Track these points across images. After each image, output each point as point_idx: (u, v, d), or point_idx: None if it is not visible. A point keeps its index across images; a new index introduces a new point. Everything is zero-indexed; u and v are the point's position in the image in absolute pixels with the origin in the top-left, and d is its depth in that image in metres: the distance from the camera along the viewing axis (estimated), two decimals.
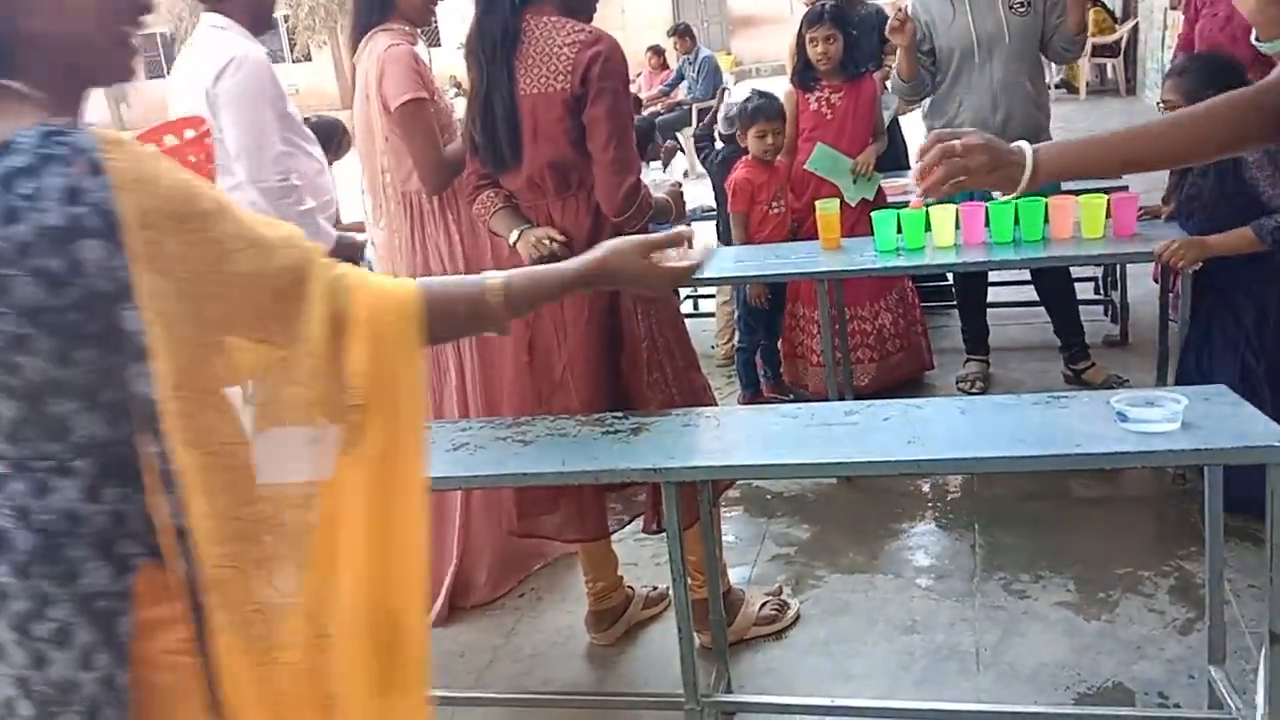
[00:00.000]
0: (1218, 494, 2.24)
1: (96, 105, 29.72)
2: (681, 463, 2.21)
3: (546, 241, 2.48)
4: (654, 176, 2.81)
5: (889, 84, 4.22)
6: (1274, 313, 3.05)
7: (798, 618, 2.91)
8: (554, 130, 2.43)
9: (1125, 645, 2.63)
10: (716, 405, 2.74)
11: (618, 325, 2.54)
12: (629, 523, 2.70)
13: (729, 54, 21.32)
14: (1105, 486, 3.45)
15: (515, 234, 2.54)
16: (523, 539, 2.90)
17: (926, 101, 4.23)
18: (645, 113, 8.94)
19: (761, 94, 4.15)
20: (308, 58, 27.99)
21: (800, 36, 4.19)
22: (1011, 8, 3.92)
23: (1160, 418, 2.04)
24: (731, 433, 2.39)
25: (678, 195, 2.78)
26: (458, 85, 3.20)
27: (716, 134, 4.58)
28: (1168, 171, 3.39)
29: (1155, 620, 2.72)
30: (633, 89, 7.32)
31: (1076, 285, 4.49)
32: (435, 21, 3.14)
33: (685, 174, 5.27)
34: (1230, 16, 3.75)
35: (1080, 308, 4.28)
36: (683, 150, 10.46)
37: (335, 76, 26.48)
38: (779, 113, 4.09)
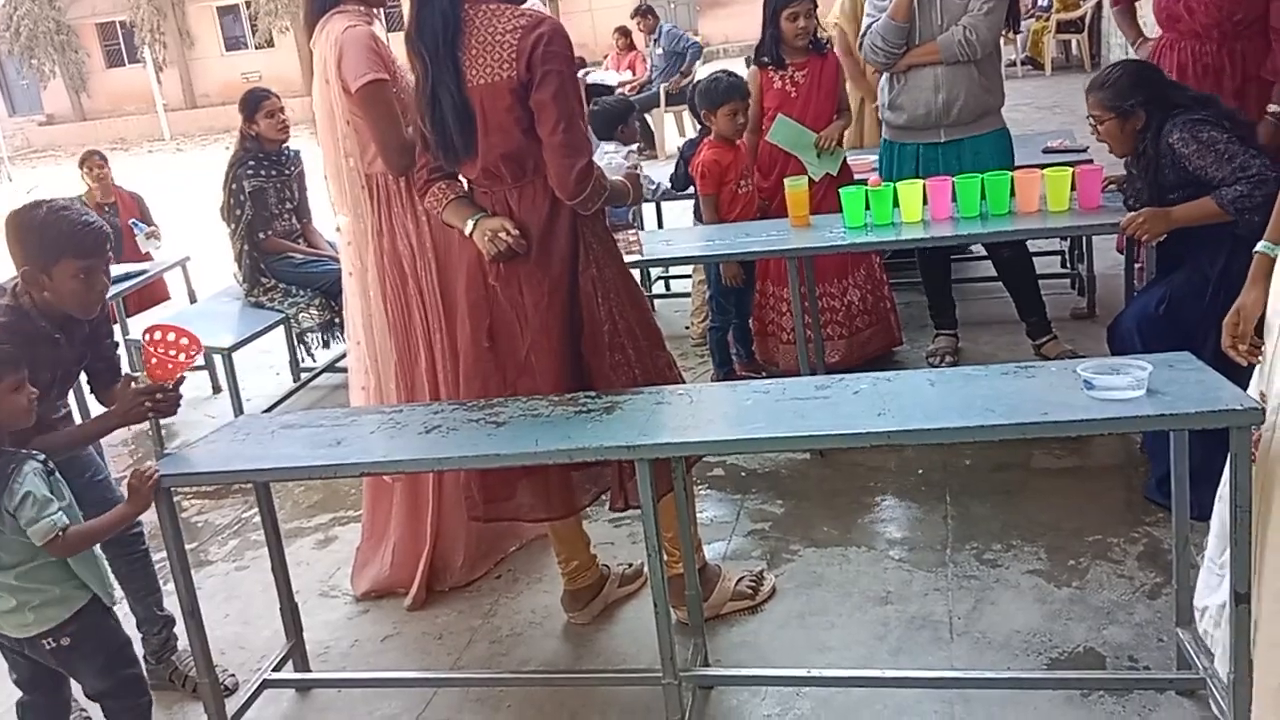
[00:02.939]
0: (1183, 460, 2.28)
1: (57, 96, 29.28)
2: (655, 440, 2.22)
3: (503, 235, 2.47)
4: (610, 160, 2.79)
5: (864, 42, 4.16)
6: (1232, 281, 3.09)
7: (774, 592, 2.93)
8: (505, 120, 2.41)
9: (1095, 611, 2.67)
10: (682, 382, 2.75)
11: (578, 310, 2.53)
12: (598, 496, 2.70)
13: (697, 34, 21.25)
14: (1074, 456, 3.49)
15: (470, 224, 2.53)
16: (492, 523, 2.90)
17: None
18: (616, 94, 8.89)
19: (728, 73, 4.14)
20: (270, 43, 27.65)
21: (771, 13, 4.17)
22: None
23: (1125, 385, 2.07)
24: (704, 409, 2.40)
25: (635, 178, 2.77)
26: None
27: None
28: None
29: (1124, 586, 2.76)
30: (601, 71, 7.28)
31: (1043, 259, 4.52)
32: (395, 3, 3.10)
33: (640, 150, 5.24)
34: None
35: (1047, 281, 4.32)
36: (652, 131, 10.44)
37: (299, 62, 26.18)
38: (748, 92, 4.09)
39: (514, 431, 2.36)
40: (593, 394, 2.51)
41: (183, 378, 2.52)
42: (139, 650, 2.82)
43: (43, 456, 2.21)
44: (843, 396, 2.32)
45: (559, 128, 2.38)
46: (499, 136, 2.43)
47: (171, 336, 2.48)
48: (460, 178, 2.61)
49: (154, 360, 2.44)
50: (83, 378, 2.70)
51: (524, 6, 2.45)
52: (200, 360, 4.88)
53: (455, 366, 3.06)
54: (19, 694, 2.40)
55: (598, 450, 2.24)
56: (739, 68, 4.51)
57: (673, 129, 10.89)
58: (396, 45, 2.92)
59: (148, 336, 2.47)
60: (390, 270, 3.02)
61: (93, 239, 2.40)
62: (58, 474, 2.24)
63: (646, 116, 10.49)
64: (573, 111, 2.40)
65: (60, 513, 2.16)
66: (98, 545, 2.35)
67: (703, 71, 10.62)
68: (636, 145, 4.60)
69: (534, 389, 2.57)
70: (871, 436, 2.14)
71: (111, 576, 2.37)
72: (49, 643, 2.24)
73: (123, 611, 2.91)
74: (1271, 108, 3.65)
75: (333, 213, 3.12)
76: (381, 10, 3.06)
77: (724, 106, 3.99)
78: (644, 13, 11.02)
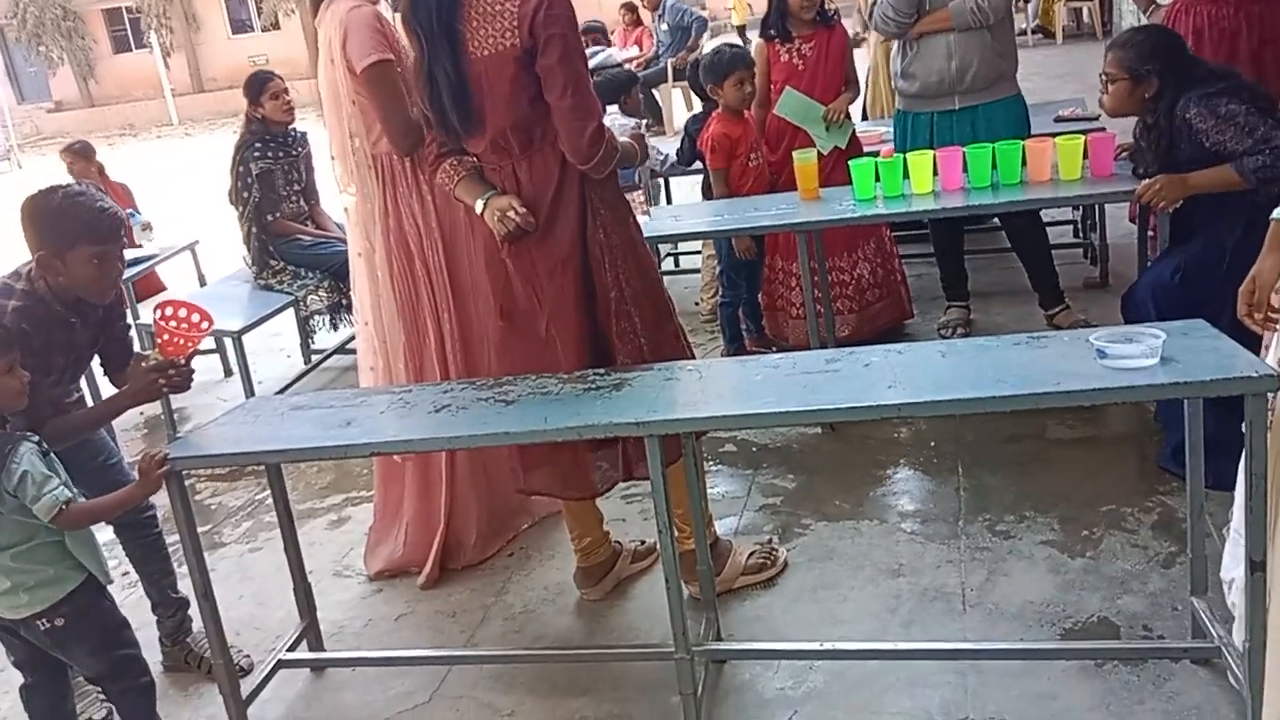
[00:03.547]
0: (1198, 428, 2.26)
1: (65, 82, 29.29)
2: (664, 415, 2.21)
3: (511, 214, 2.45)
4: (613, 121, 2.78)
5: (875, 11, 4.12)
6: (1249, 250, 3.05)
7: (785, 565, 2.92)
8: (511, 90, 2.39)
9: (1109, 581, 2.66)
10: (692, 354, 2.73)
11: (589, 275, 2.52)
12: (616, 483, 2.70)
13: (704, 8, 21.12)
14: (1087, 426, 3.47)
15: (480, 203, 2.51)
16: (524, 495, 2.93)
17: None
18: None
19: (730, 45, 4.11)
20: (276, 26, 27.58)
21: None
22: None
23: (1139, 353, 2.05)
24: (713, 385, 2.39)
25: (640, 138, 2.76)
26: None
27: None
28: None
29: (1138, 555, 2.75)
30: (606, 50, 7.25)
31: (1056, 229, 4.47)
32: None
33: (648, 125, 5.22)
34: None
35: (1060, 251, 4.28)
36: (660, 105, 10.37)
37: (305, 45, 26.10)
38: (753, 61, 4.06)
39: (523, 409, 2.35)
40: (602, 371, 2.50)
41: (195, 353, 2.52)
42: (154, 633, 2.86)
43: (36, 438, 2.21)
44: (853, 370, 2.31)
45: (568, 91, 2.36)
46: (505, 107, 2.41)
47: (184, 313, 2.48)
48: (469, 153, 2.60)
49: (166, 336, 2.44)
50: (95, 361, 2.70)
51: None
52: (211, 342, 4.95)
53: (465, 346, 3.07)
54: (22, 679, 2.41)
55: (607, 427, 2.23)
56: (736, 43, 4.46)
57: (680, 104, 10.81)
58: (399, 24, 2.90)
59: (159, 313, 2.47)
60: (397, 250, 3.01)
61: (108, 224, 2.40)
62: (53, 454, 2.24)
63: (654, 92, 10.42)
64: (580, 74, 2.39)
65: (62, 487, 2.17)
66: (100, 525, 2.35)
67: (709, 45, 10.58)
68: (644, 120, 4.57)
69: (555, 363, 2.56)
70: (882, 409, 2.13)
71: (105, 556, 2.37)
72: (43, 623, 2.24)
73: (137, 594, 2.95)
74: None
75: (339, 193, 3.11)
76: None
77: (730, 77, 3.96)
78: None
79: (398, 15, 2.88)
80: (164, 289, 5.91)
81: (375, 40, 2.79)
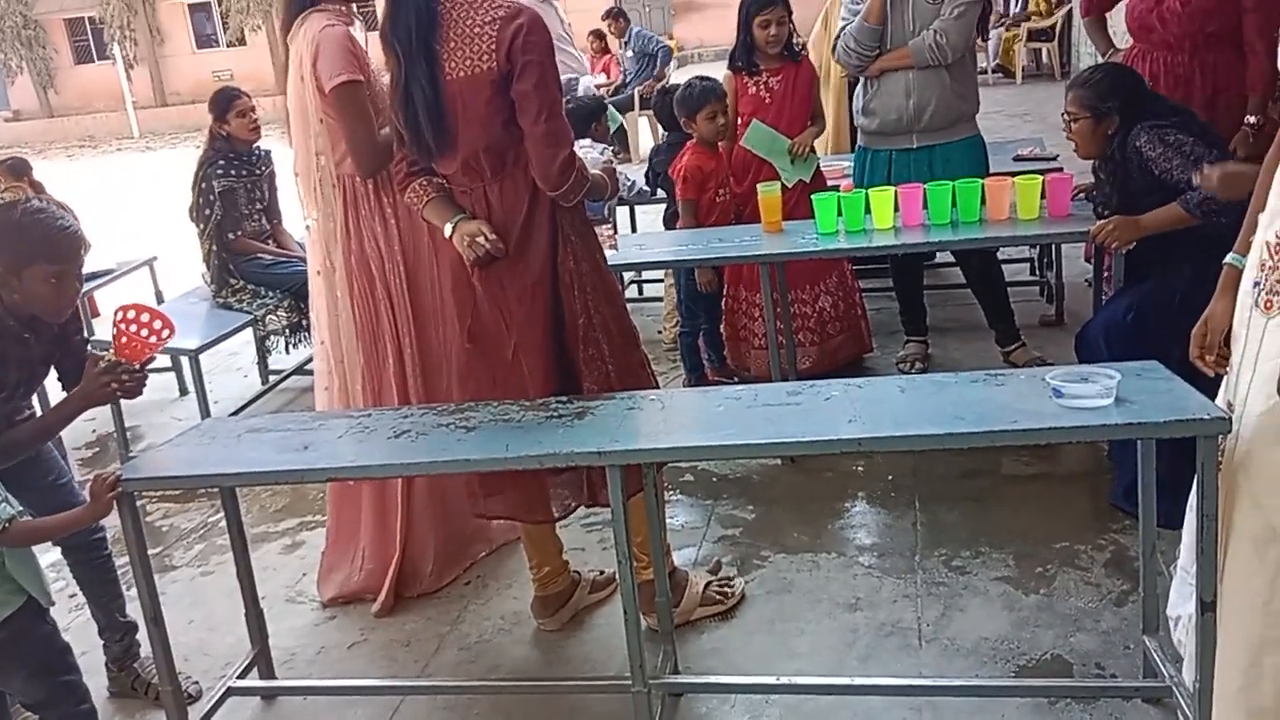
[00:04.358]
0: (1150, 467, 2.29)
1: (24, 92, 28.81)
2: (625, 445, 2.21)
3: (481, 240, 2.45)
4: (587, 154, 2.79)
5: (838, 45, 4.17)
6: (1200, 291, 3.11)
7: (743, 597, 2.92)
8: (485, 112, 2.40)
9: (1063, 618, 2.69)
10: (657, 383, 2.74)
11: (558, 303, 2.53)
12: (575, 508, 2.69)
13: (672, 38, 21.29)
14: (1042, 463, 3.51)
15: (449, 226, 2.52)
16: (473, 517, 2.92)
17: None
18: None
19: (701, 78, 4.14)
20: (242, 41, 27.41)
21: (744, 19, 4.18)
22: None
23: (1094, 393, 2.08)
24: (676, 415, 2.39)
25: (611, 172, 2.77)
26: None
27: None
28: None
29: (1091, 593, 2.78)
30: (586, 77, 7.29)
31: (1012, 266, 4.54)
32: (371, 4, 3.09)
33: (615, 152, 5.25)
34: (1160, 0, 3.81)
35: (1016, 289, 4.34)
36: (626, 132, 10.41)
37: (270, 60, 25.98)
38: (724, 93, 4.10)
39: (484, 436, 2.34)
40: (565, 399, 2.49)
41: (151, 358, 2.47)
42: (100, 657, 2.79)
43: None
44: (814, 403, 2.32)
45: (541, 117, 2.37)
46: (479, 129, 2.42)
47: (145, 318, 2.42)
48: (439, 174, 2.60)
49: (124, 339, 2.38)
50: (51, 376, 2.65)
51: None
52: (166, 360, 4.88)
53: (425, 371, 3.05)
54: None
55: (568, 456, 2.22)
56: (714, 71, 4.50)
57: (646, 132, 10.88)
58: (374, 45, 2.90)
59: (120, 315, 2.40)
60: (358, 271, 3.00)
61: (67, 244, 2.35)
62: None
63: (621, 120, 10.48)
64: (554, 101, 2.40)
65: (4, 504, 2.12)
66: (47, 546, 2.30)
67: (676, 75, 10.65)
68: (611, 147, 4.59)
69: (522, 388, 2.55)
70: (842, 443, 2.15)
71: (47, 578, 2.31)
72: None
73: (84, 617, 2.88)
74: (1249, 119, 3.69)
75: (302, 211, 3.09)
76: (359, 10, 3.03)
77: (702, 110, 3.99)
78: (614, 15, 11.02)
79: (371, 35, 2.89)
80: (97, 314, 5.79)
81: (346, 60, 2.79)
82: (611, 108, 5.51)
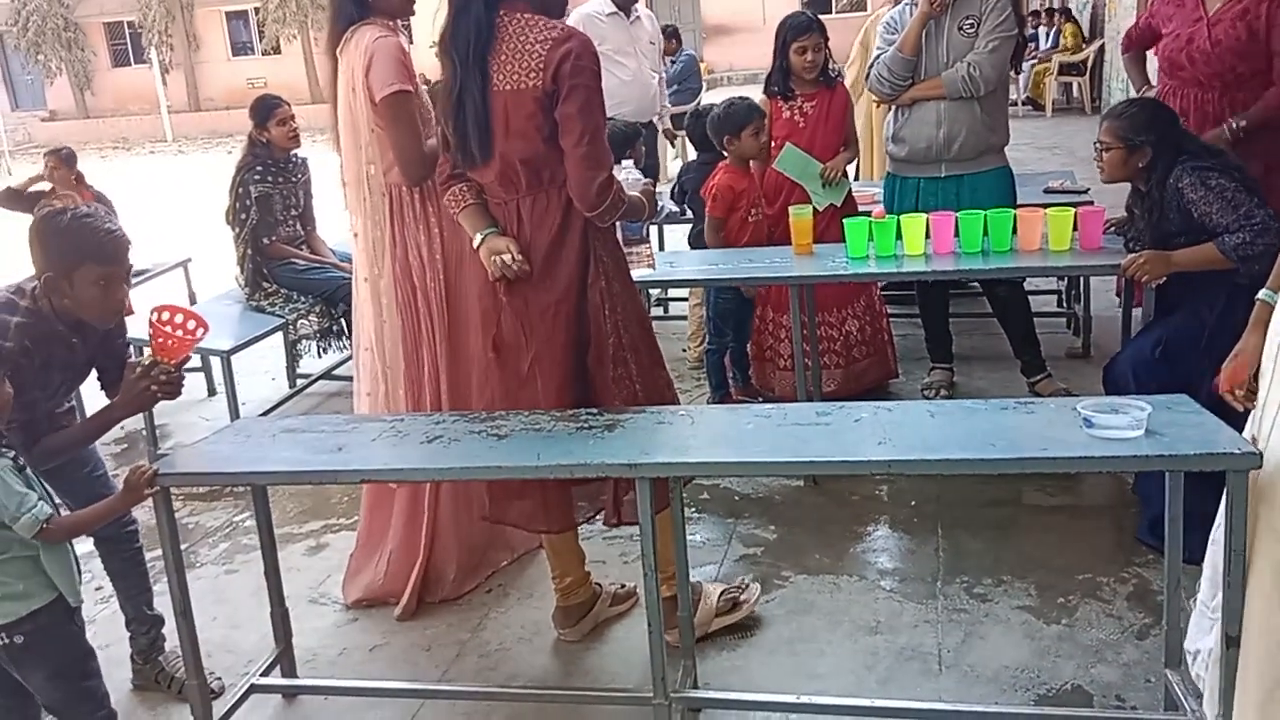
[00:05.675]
0: (1178, 501, 2.30)
1: (61, 92, 29.24)
2: (656, 459, 2.23)
3: (506, 258, 2.49)
4: (627, 175, 2.83)
5: (871, 73, 4.21)
6: (1229, 327, 3.12)
7: (758, 599, 2.93)
8: (526, 127, 2.45)
9: (1084, 649, 2.68)
10: (678, 404, 2.76)
11: (585, 322, 2.56)
12: (593, 516, 2.72)
13: (703, 61, 21.44)
14: (1066, 495, 3.51)
15: (479, 238, 2.56)
16: (495, 525, 2.94)
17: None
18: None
19: (741, 98, 4.17)
20: (277, 50, 27.74)
21: (781, 45, 4.22)
22: (960, 28, 3.95)
23: (1125, 424, 2.09)
24: (705, 430, 2.41)
25: (650, 194, 2.81)
26: (426, 82, 3.26)
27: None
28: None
29: (1113, 625, 2.78)
30: None
31: (1039, 297, 4.54)
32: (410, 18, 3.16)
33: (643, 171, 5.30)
34: (1191, 39, 3.82)
35: (1043, 320, 4.34)
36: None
37: (305, 70, 26.27)
38: (764, 111, 4.13)
39: (516, 445, 2.37)
40: (594, 410, 2.52)
41: (187, 357, 2.52)
42: (126, 649, 2.83)
43: (12, 453, 2.19)
44: (844, 424, 2.34)
45: (583, 140, 2.42)
46: (519, 141, 2.47)
47: (180, 318, 2.48)
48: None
49: (161, 339, 2.44)
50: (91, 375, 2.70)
51: (557, 20, 2.49)
52: (197, 360, 4.93)
53: (452, 379, 3.08)
54: None
55: (599, 467, 2.25)
56: (746, 94, 4.54)
57: (670, 152, 10.93)
58: (417, 58, 2.96)
59: (155, 316, 2.46)
60: (402, 280, 3.05)
61: (115, 247, 2.40)
62: (29, 469, 2.22)
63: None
64: (597, 125, 2.45)
65: (41, 504, 2.15)
66: (78, 542, 2.33)
67: (706, 98, 10.70)
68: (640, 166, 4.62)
69: (534, 402, 2.58)
70: (873, 465, 2.16)
71: (79, 578, 2.31)
72: (2, 638, 2.18)
73: (111, 610, 2.92)
74: (1238, 123, 3.68)
75: (350, 220, 3.14)
76: (401, 24, 3.09)
77: (747, 128, 4.02)
78: (669, 35, 11.08)
79: (412, 47, 2.95)
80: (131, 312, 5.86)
81: (398, 70, 2.84)
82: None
